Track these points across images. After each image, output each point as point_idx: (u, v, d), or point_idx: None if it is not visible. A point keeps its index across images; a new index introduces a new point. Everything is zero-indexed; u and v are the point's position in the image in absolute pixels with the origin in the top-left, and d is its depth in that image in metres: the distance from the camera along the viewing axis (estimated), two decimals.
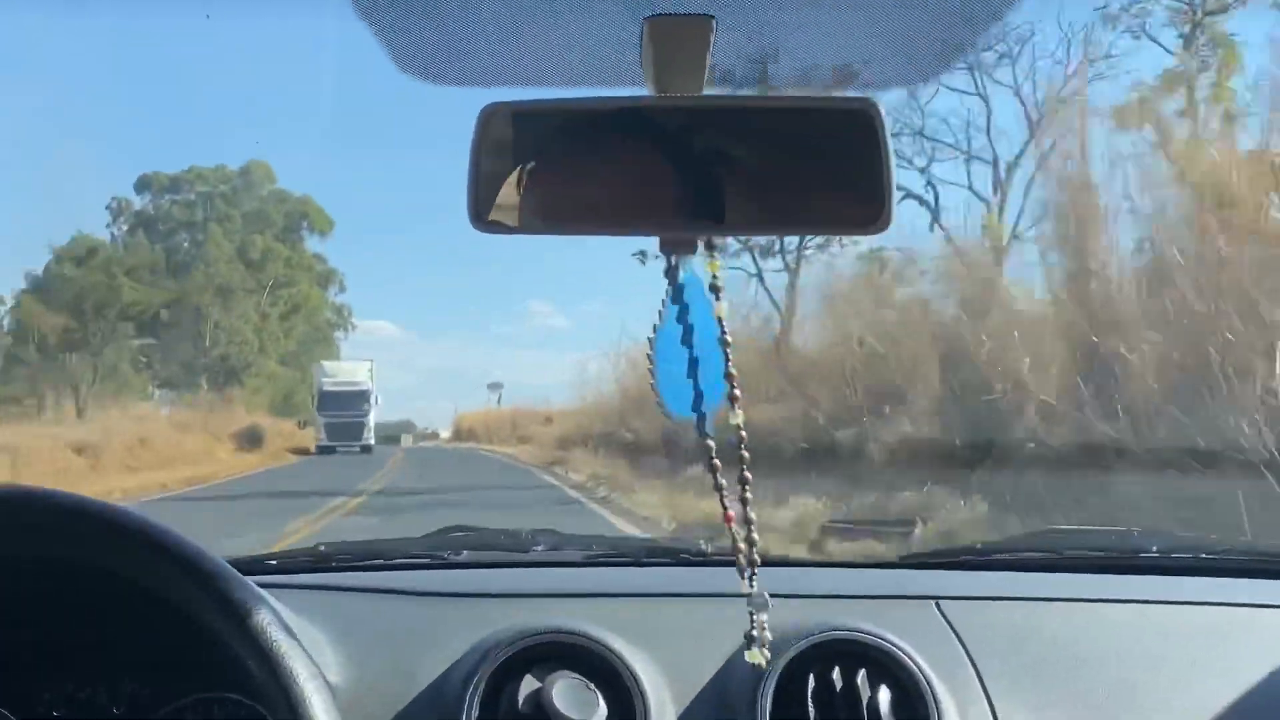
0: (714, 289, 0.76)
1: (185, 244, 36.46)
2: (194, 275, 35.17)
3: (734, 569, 0.82)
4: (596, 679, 0.95)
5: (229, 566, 0.85)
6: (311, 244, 42.01)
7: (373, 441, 31.81)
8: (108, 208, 36.17)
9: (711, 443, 0.77)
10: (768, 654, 0.82)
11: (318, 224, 41.25)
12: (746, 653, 0.80)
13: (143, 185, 37.17)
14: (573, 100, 0.76)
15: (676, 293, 0.76)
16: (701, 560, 1.30)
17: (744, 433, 0.77)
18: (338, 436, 26.97)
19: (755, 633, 0.80)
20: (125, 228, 36.30)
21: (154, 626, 0.91)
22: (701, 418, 0.75)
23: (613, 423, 15.21)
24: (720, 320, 0.76)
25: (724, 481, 0.79)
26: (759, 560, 0.79)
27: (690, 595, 1.15)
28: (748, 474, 0.76)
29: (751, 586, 0.79)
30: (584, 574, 1.26)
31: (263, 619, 0.80)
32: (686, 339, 0.76)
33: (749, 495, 0.77)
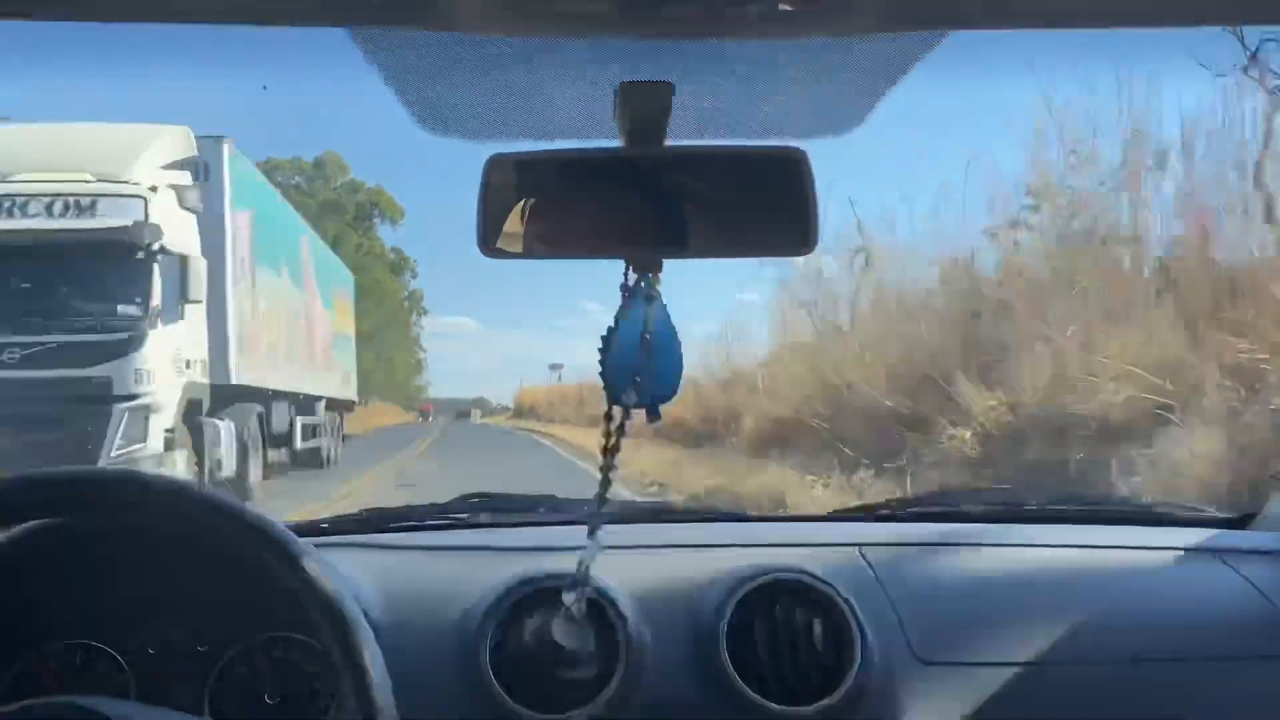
0: (649, 297, 0.99)
1: None
2: None
3: (698, 525, 1.12)
4: (589, 613, 1.18)
5: (289, 530, 1.06)
6: (384, 233, 43.47)
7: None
8: None
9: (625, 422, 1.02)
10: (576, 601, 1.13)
11: (389, 212, 41.81)
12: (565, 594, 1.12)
13: None
14: (560, 150, 1.01)
15: (633, 303, 1.00)
16: (672, 518, 1.61)
17: (628, 420, 1.02)
18: None
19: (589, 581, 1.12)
20: None
21: (229, 580, 1.14)
22: (654, 404, 1.00)
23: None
24: (672, 326, 1.01)
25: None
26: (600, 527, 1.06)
27: (663, 546, 1.43)
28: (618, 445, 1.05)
29: (597, 543, 1.06)
30: (579, 530, 1.53)
31: (317, 571, 1.00)
32: (652, 339, 1.00)
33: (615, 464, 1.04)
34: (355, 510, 1.64)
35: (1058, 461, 7.43)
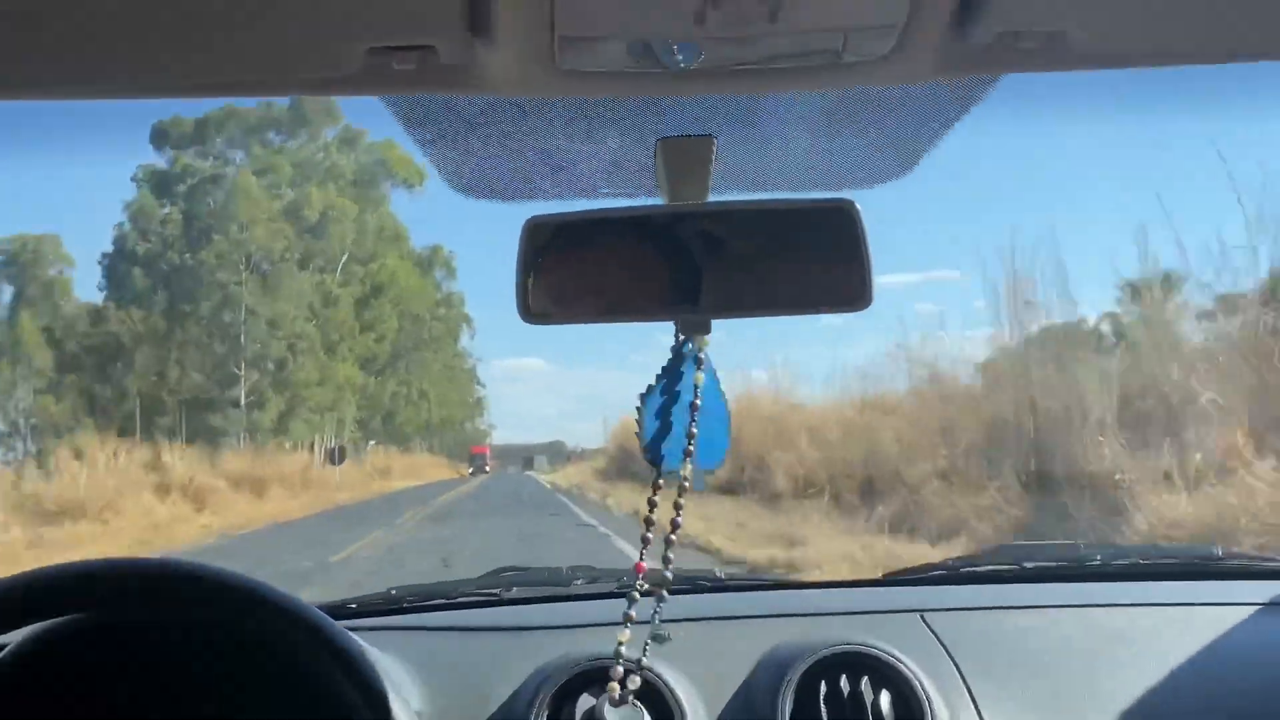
0: (698, 361, 1.26)
1: (210, 205, 31.88)
2: (215, 245, 31.09)
3: (746, 593, 1.40)
4: (640, 696, 1.42)
5: (330, 619, 1.27)
6: (398, 203, 36.32)
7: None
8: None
9: (684, 494, 1.26)
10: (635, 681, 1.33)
11: (403, 175, 34.71)
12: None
13: (159, 138, 32.64)
14: (599, 210, 1.24)
15: (674, 365, 1.26)
16: (718, 586, 1.87)
17: (687, 483, 1.26)
18: None
19: (646, 661, 1.34)
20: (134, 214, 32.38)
21: (267, 671, 1.35)
22: (699, 473, 1.25)
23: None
24: (697, 388, 1.26)
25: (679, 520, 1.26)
26: (666, 597, 1.31)
27: (711, 619, 1.67)
28: (679, 519, 1.26)
29: (656, 620, 1.31)
30: (618, 604, 1.70)
31: (364, 664, 1.23)
32: (702, 404, 1.26)
33: (675, 538, 1.27)
34: (382, 589, 1.89)
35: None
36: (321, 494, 27.46)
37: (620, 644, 1.33)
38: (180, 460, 24.55)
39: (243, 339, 32.45)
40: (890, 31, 0.86)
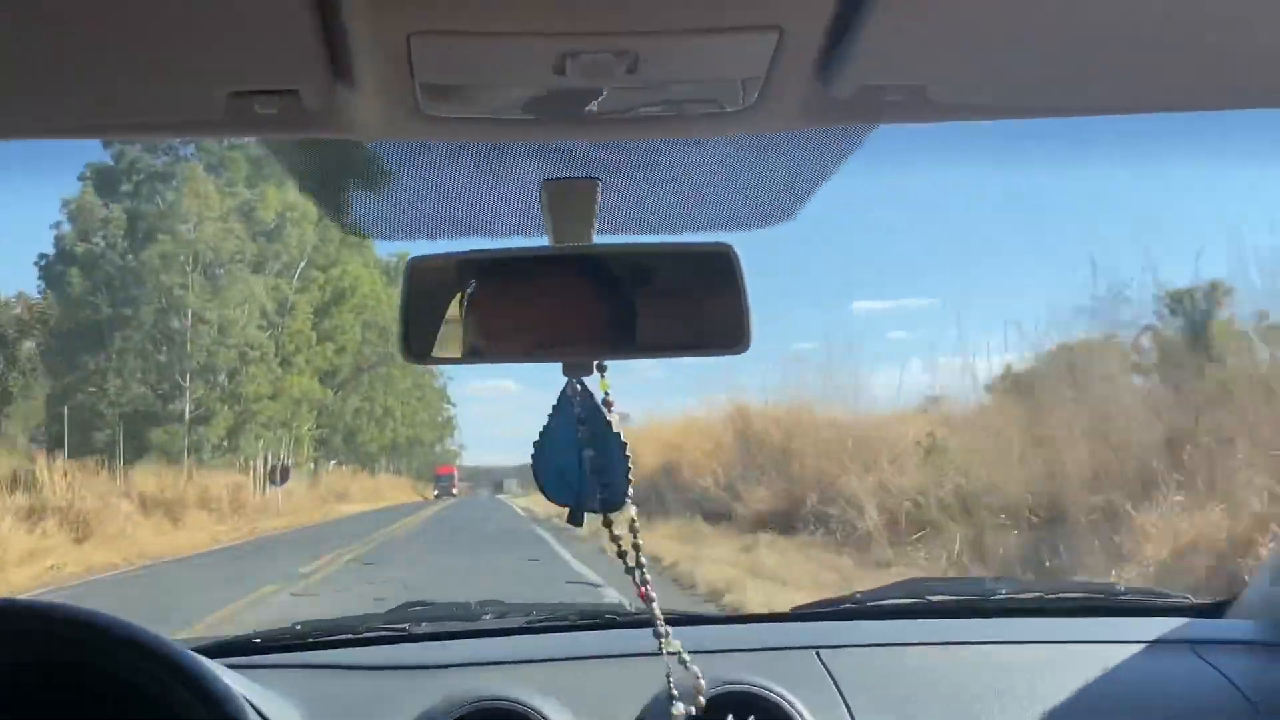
0: (606, 404, 1.37)
1: (158, 204, 31.82)
2: (159, 245, 30.77)
3: (648, 630, 1.42)
4: None
5: (204, 660, 1.38)
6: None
7: None
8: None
9: (630, 531, 1.40)
10: (690, 709, 1.48)
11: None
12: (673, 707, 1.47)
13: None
14: (484, 251, 1.35)
15: (563, 405, 1.38)
16: (626, 622, 2.03)
17: (637, 524, 1.41)
18: None
19: (675, 691, 1.49)
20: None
21: (129, 712, 1.41)
22: (607, 512, 1.38)
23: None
24: (617, 429, 1.38)
25: (645, 560, 1.40)
26: (667, 631, 1.44)
27: (612, 656, 1.85)
28: (642, 558, 1.40)
29: (663, 652, 1.45)
30: (525, 641, 1.98)
31: (230, 703, 1.33)
32: (590, 443, 1.38)
33: (648, 577, 1.40)
34: (287, 624, 2.06)
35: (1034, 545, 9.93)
36: (250, 521, 25.71)
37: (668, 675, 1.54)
38: (62, 478, 21.75)
39: (188, 346, 32.07)
40: (753, 84, 0.98)
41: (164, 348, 32.23)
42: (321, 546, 18.16)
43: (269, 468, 30.42)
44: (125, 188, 32.64)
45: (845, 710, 1.73)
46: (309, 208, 31.86)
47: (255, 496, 29.59)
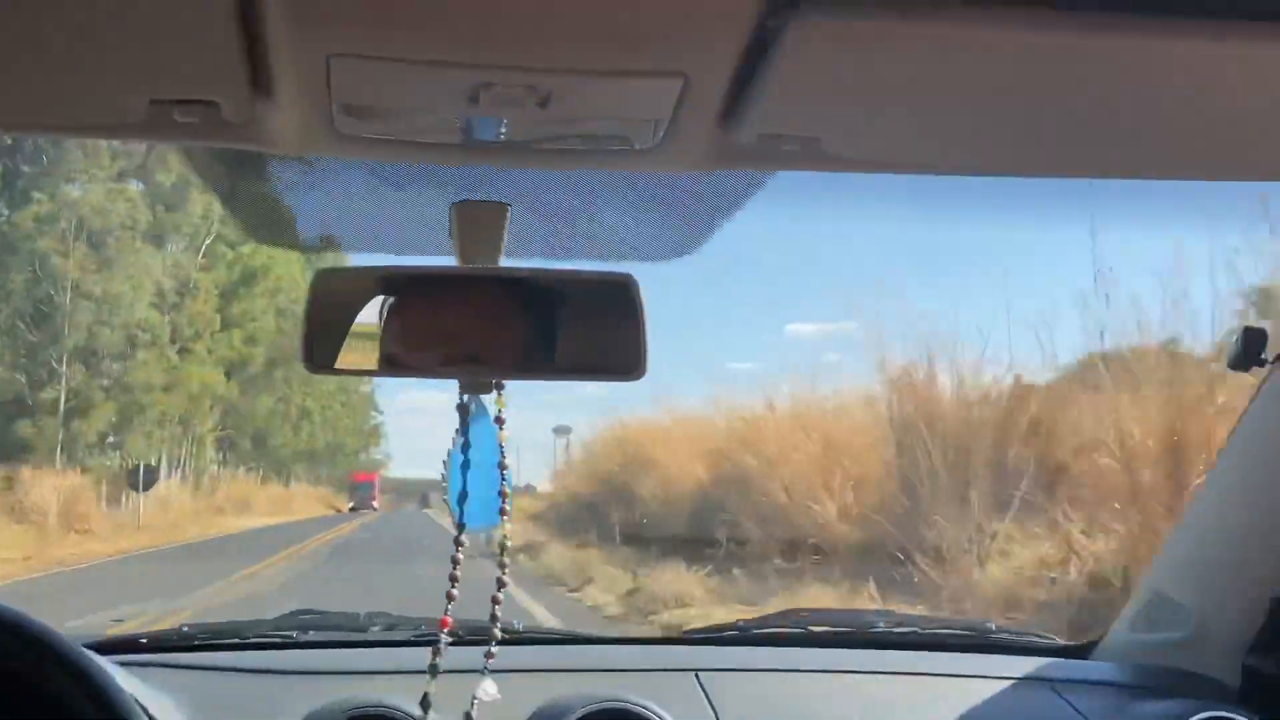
0: (498, 421, 1.66)
1: (42, 162, 31.59)
2: (35, 206, 30.73)
3: (530, 647, 1.87)
4: None
5: (82, 647, 1.65)
6: None
7: None
8: None
9: (460, 550, 1.67)
10: None
11: None
12: None
13: None
14: (391, 266, 1.62)
15: (465, 424, 1.66)
16: (509, 640, 2.22)
17: (508, 542, 1.69)
18: None
19: (474, 713, 1.77)
20: None
21: (11, 703, 1.68)
22: (460, 527, 1.65)
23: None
24: (501, 447, 1.67)
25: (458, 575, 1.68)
26: (494, 653, 1.73)
27: (490, 671, 2.01)
28: (505, 578, 1.69)
29: (485, 671, 1.75)
30: (412, 652, 2.23)
31: (112, 693, 1.61)
32: (472, 462, 1.66)
33: (500, 596, 1.71)
34: (178, 625, 2.38)
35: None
36: (79, 542, 23.10)
37: (427, 694, 1.81)
38: None
39: (65, 325, 31.49)
40: (658, 125, 1.21)
41: (36, 325, 31.71)
42: (130, 593, 14.87)
43: (130, 469, 28.78)
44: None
45: None
46: None
47: (102, 507, 27.55)
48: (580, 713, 2.01)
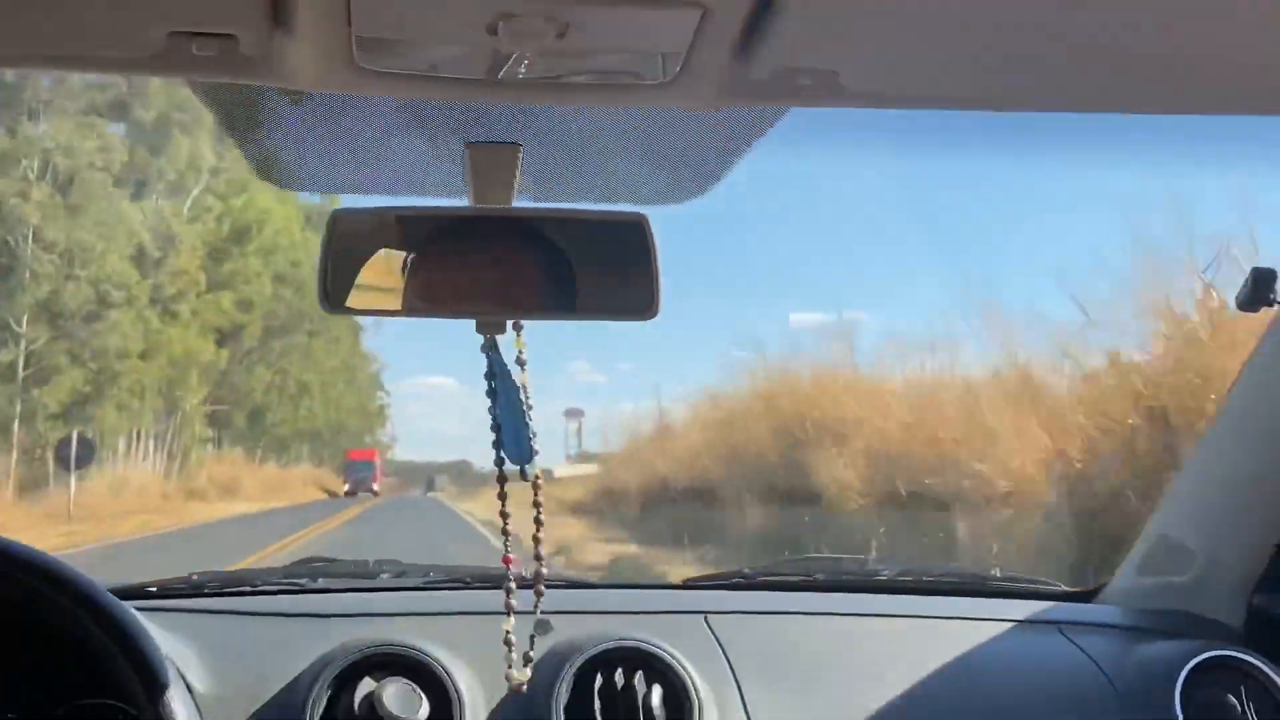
0: (519, 362, 1.88)
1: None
2: None
3: (548, 591, 2.02)
4: (422, 684, 2.16)
5: (107, 591, 1.93)
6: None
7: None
8: None
9: (505, 491, 1.92)
10: (527, 674, 2.02)
11: None
12: (514, 671, 2.02)
13: None
14: (406, 208, 1.83)
15: (491, 365, 1.87)
16: (524, 584, 2.50)
17: (540, 481, 1.92)
18: None
19: (532, 653, 2.02)
20: None
21: (33, 643, 2.00)
22: (500, 462, 1.89)
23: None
24: (524, 388, 1.89)
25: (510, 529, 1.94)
26: (544, 591, 1.98)
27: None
28: (541, 517, 1.93)
29: (538, 612, 2.00)
30: (421, 596, 2.59)
31: (136, 635, 1.88)
32: (500, 403, 1.89)
33: (541, 536, 1.95)
34: (185, 574, 2.64)
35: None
36: None
37: (507, 631, 2.07)
38: None
39: (25, 277, 31.26)
40: (674, 59, 1.30)
41: None
42: None
43: (59, 442, 27.11)
44: None
45: (729, 671, 2.36)
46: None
47: (8, 491, 26.23)
48: (593, 652, 2.29)
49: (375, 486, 49.49)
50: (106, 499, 27.42)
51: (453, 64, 1.37)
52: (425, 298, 1.86)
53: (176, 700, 1.97)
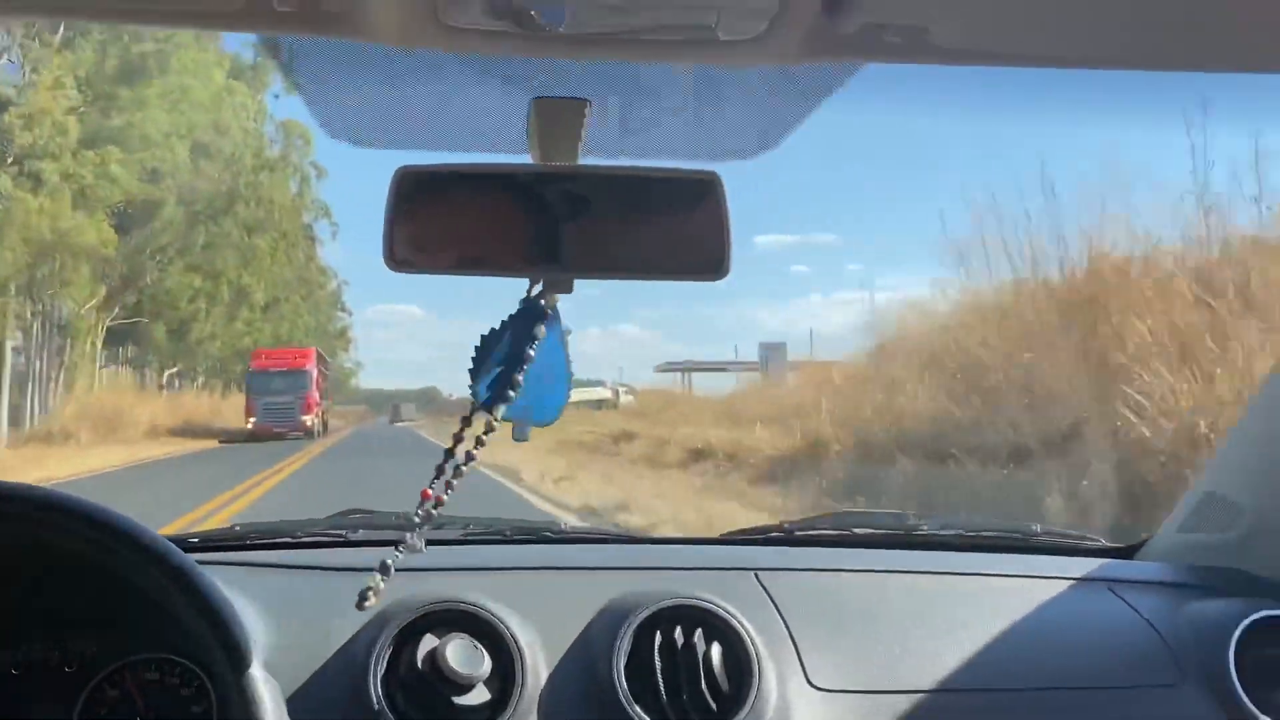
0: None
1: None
2: None
3: (582, 545, 2.95)
4: (483, 640, 2.58)
5: (168, 541, 2.27)
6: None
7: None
8: None
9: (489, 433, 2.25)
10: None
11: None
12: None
13: None
14: (470, 164, 2.23)
15: (524, 317, 2.32)
16: (559, 538, 3.22)
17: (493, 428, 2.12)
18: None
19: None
20: None
21: (98, 594, 2.43)
22: (538, 425, 2.28)
23: None
24: (566, 350, 2.29)
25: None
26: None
27: (552, 569, 2.97)
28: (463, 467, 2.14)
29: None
30: (462, 550, 3.10)
31: (205, 585, 2.29)
32: (545, 360, 2.35)
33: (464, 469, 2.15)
34: (226, 525, 2.85)
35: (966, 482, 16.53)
36: None
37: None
38: None
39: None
40: (763, 14, 1.47)
41: None
42: None
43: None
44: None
45: (785, 629, 2.77)
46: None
47: None
48: (654, 608, 2.68)
49: (308, 420, 44.87)
50: None
51: (535, 19, 1.61)
52: (489, 255, 2.24)
53: (250, 652, 2.43)
